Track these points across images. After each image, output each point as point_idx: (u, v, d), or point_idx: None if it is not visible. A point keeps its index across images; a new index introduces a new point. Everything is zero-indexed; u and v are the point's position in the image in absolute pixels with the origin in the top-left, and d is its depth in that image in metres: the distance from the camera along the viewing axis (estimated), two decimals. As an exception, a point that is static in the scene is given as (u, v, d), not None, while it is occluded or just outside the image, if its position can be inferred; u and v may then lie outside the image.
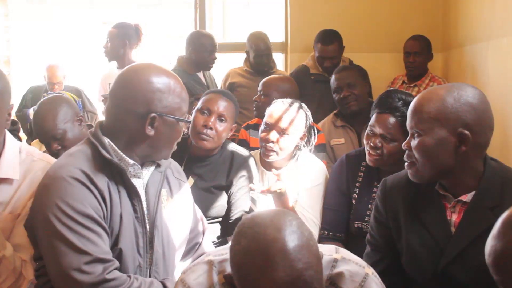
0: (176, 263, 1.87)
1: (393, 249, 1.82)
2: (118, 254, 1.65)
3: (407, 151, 1.71)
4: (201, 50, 3.89)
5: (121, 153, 1.67)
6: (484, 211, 1.63)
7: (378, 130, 2.25)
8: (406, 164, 1.72)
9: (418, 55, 3.92)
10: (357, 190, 2.40)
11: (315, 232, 2.42)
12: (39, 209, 1.61)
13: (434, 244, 1.69)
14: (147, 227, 1.72)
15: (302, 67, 3.98)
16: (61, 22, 8.72)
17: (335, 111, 3.24)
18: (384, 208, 1.83)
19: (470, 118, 1.59)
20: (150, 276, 1.74)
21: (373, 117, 2.29)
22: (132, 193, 1.68)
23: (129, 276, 1.63)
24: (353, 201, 2.40)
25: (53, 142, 2.50)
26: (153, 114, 1.64)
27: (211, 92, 2.52)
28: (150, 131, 1.66)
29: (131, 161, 1.69)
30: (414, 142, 1.67)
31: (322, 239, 2.41)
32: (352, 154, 2.49)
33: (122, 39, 3.95)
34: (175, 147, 1.79)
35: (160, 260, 1.76)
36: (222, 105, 2.41)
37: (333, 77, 3.21)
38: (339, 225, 2.42)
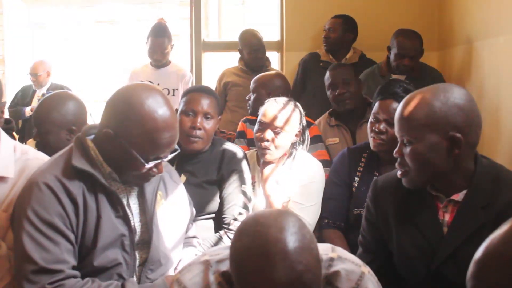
0: (174, 262, 1.88)
1: (384, 249, 1.81)
2: (97, 255, 1.66)
3: (399, 159, 1.69)
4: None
5: (101, 159, 1.70)
6: (475, 210, 1.63)
7: (382, 116, 2.34)
8: (399, 173, 1.71)
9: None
10: (357, 179, 2.46)
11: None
12: (14, 211, 1.68)
13: (426, 245, 1.68)
14: (133, 226, 1.73)
15: (313, 54, 3.99)
16: (56, 21, 8.70)
17: (329, 110, 3.21)
18: (375, 209, 1.83)
19: (460, 120, 1.58)
20: (141, 274, 1.75)
21: (376, 105, 2.37)
22: (110, 194, 1.69)
23: (90, 280, 1.64)
24: (353, 189, 2.45)
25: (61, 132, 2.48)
26: (108, 130, 1.64)
27: (191, 91, 2.46)
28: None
29: (109, 169, 1.70)
30: (406, 150, 1.65)
31: (323, 227, 2.49)
32: (353, 147, 2.60)
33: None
34: (137, 178, 1.72)
35: (157, 258, 1.78)
36: (205, 103, 2.37)
37: (327, 74, 3.19)
38: (340, 213, 2.49)
